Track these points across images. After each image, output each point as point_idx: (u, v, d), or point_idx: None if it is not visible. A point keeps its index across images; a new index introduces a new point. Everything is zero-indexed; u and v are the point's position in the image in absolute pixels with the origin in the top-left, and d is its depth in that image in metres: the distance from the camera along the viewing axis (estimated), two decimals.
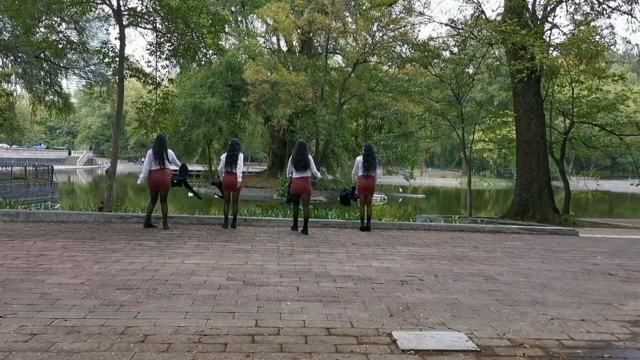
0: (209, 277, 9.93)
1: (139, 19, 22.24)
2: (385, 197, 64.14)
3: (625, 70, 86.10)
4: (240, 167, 17.19)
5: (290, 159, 17.02)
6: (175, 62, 26.13)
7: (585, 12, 28.78)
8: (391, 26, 42.84)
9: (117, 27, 21.74)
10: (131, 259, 11.18)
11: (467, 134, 34.74)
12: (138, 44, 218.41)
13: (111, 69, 25.37)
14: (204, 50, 23.50)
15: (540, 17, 28.66)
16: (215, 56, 27.02)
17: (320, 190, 60.77)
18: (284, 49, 71.30)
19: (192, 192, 18.85)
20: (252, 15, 72.25)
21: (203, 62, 24.83)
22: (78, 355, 5.92)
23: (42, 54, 35.27)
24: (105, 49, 22.77)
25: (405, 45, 45.56)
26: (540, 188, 27.54)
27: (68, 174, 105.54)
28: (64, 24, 27.92)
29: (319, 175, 17.60)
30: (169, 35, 22.68)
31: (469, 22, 32.80)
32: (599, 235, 20.31)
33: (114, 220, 17.89)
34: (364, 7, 49.60)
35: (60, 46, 25.45)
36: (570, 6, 29.81)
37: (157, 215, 16.91)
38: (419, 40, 37.01)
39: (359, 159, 17.70)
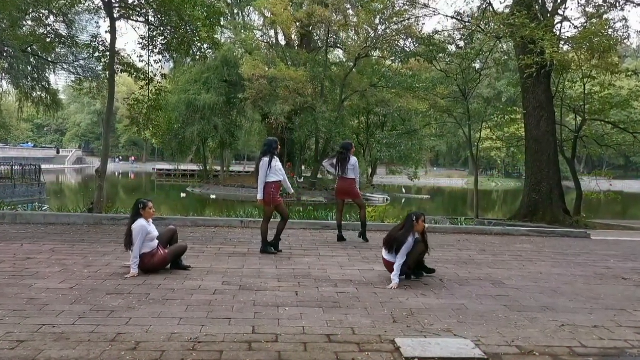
0: (204, 282, 9.95)
1: (131, 12, 22.23)
2: (388, 198, 64.13)
3: (639, 65, 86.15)
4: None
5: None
6: (168, 56, 26.10)
7: (597, 4, 28.74)
8: (394, 19, 42.58)
9: (107, 20, 21.72)
10: (122, 262, 11.16)
11: (474, 132, 34.69)
12: (130, 37, 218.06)
13: (101, 64, 25.32)
14: (199, 44, 23.45)
15: (550, 9, 28.64)
16: (210, 50, 26.99)
17: (320, 191, 60.78)
18: (283, 43, 71.27)
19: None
20: (249, 7, 72.13)
21: (198, 57, 24.78)
22: None
23: (29, 48, 35.20)
24: (96, 43, 22.79)
25: (409, 39, 45.48)
26: (550, 188, 27.51)
27: (56, 174, 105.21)
28: (52, 16, 27.88)
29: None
30: (162, 29, 22.68)
31: (476, 15, 32.76)
32: (612, 238, 20.23)
33: (105, 222, 17.91)
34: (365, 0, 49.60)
35: (48, 40, 25.52)
36: None
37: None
38: (424, 34, 36.90)
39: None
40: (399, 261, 10.28)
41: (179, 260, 11.24)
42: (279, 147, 14.10)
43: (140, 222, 10.71)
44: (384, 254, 10.87)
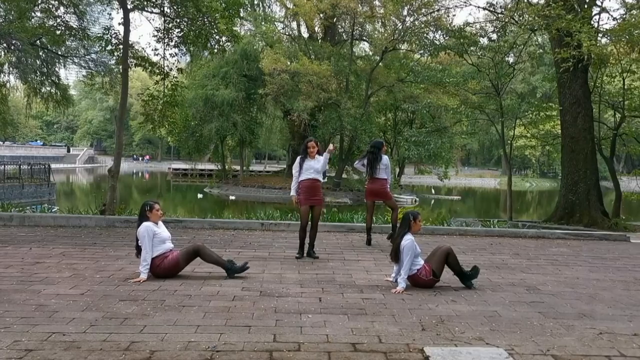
0: (222, 287, 9.97)
1: (145, 2, 22.31)
2: (417, 199, 64.06)
3: None
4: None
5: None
6: (185, 49, 26.20)
7: None
8: (423, 10, 42.52)
9: (120, 11, 21.83)
10: (136, 266, 11.04)
11: (507, 130, 34.60)
12: (144, 30, 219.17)
13: (114, 58, 25.50)
14: (217, 37, 23.46)
15: (587, 0, 28.50)
16: (229, 43, 26.96)
17: (344, 192, 60.74)
18: (305, 35, 71.32)
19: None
20: None
21: (216, 50, 24.76)
22: None
23: (38, 41, 35.36)
24: (108, 36, 22.83)
25: (439, 32, 45.31)
26: (587, 189, 27.31)
27: (67, 174, 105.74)
28: (62, 7, 27.91)
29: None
30: (178, 20, 22.74)
31: (509, 6, 32.64)
32: None
33: (118, 224, 17.96)
34: None
35: (58, 32, 25.53)
36: None
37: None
38: (454, 26, 36.78)
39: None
40: (406, 265, 10.21)
41: (231, 266, 10.98)
42: (312, 145, 14.27)
43: (145, 224, 10.76)
44: (394, 270, 10.84)
